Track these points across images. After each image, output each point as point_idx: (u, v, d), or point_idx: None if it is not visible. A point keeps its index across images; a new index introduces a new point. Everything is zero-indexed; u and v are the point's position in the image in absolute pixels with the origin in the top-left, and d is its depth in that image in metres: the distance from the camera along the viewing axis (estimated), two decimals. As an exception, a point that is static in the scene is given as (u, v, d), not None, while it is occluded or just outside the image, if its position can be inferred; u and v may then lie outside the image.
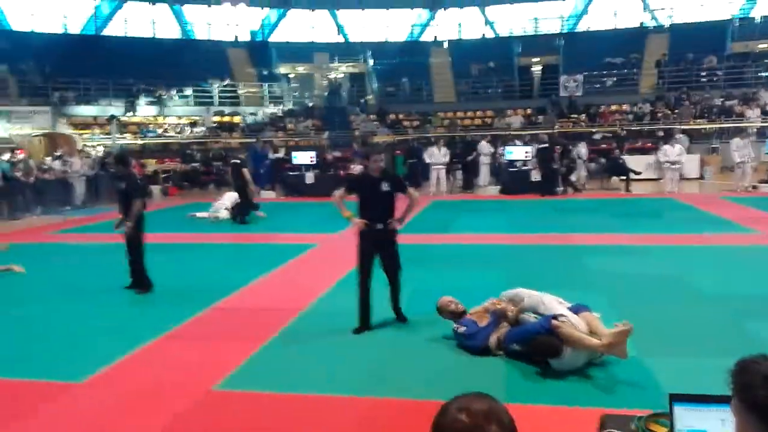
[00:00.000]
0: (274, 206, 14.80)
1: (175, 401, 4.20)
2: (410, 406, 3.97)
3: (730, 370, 1.41)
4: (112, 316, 6.31)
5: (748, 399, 1.32)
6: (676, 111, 21.21)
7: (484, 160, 17.63)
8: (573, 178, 16.52)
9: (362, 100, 26.67)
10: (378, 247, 5.59)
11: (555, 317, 4.49)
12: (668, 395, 1.92)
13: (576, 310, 4.64)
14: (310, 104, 27.00)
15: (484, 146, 17.71)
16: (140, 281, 7.20)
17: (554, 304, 4.70)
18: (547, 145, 16.82)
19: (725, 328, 5.37)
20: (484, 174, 17.78)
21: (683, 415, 1.89)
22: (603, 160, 17.98)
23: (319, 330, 5.60)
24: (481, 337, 4.88)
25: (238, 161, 13.25)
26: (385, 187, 5.53)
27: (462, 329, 5.00)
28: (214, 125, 23.83)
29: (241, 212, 12.51)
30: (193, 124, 23.76)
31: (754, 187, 15.18)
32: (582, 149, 17.15)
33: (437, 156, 16.56)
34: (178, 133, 23.30)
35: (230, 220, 12.68)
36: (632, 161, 17.30)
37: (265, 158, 18.59)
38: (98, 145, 20.60)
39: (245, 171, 12.66)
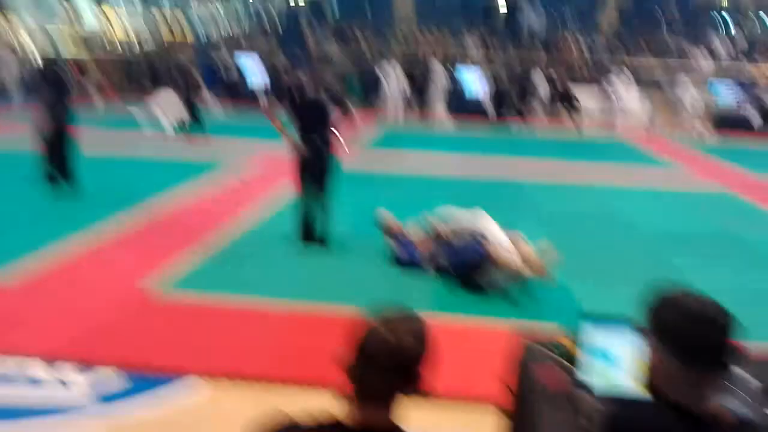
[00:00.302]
0: (217, 114, 14.31)
1: (104, 302, 4.18)
2: (344, 312, 4.05)
3: (649, 306, 1.43)
4: (33, 210, 6.18)
5: (660, 329, 1.37)
6: (629, 48, 21.38)
7: (438, 84, 17.36)
8: (529, 110, 16.56)
9: (321, 21, 25.67)
10: (314, 163, 5.41)
11: (486, 238, 4.64)
12: (580, 313, 2.01)
13: (504, 230, 4.83)
14: (267, 25, 25.79)
15: (438, 68, 17.32)
16: (63, 173, 7.01)
17: (488, 225, 4.85)
18: (502, 74, 16.72)
19: (653, 262, 5.65)
20: (438, 101, 17.60)
21: (593, 333, 1.99)
22: (554, 93, 18.01)
23: (258, 240, 5.67)
24: (412, 254, 5.07)
25: (186, 64, 12.60)
26: (322, 99, 5.38)
27: (396, 246, 5.18)
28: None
29: (192, 114, 11.93)
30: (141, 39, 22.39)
31: (698, 131, 15.61)
32: (539, 80, 17.11)
33: (392, 75, 16.18)
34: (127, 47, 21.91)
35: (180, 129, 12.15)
36: (581, 95, 17.40)
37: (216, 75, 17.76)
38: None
39: (195, 74, 12.12)
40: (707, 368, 1.32)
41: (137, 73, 19.50)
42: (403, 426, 1.29)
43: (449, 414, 3.14)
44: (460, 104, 16.15)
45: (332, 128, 5.46)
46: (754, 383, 1.86)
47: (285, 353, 3.64)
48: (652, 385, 1.43)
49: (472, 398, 3.22)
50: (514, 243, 4.73)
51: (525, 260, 4.56)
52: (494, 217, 5.09)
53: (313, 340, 3.69)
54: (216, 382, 3.30)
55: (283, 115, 5.51)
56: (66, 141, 6.96)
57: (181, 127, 11.77)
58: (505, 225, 5.01)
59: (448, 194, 8.08)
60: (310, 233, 5.53)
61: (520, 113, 16.13)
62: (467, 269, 4.67)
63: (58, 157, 6.94)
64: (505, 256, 4.57)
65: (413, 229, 5.29)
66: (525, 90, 16.74)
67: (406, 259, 5.08)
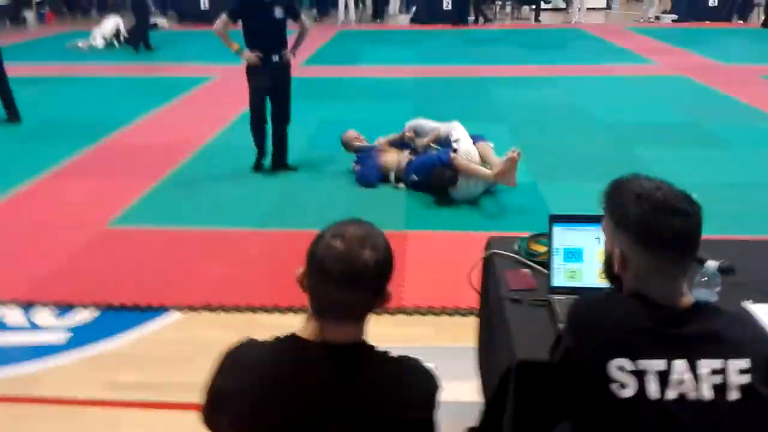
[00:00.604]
0: (167, 35, 13.61)
1: (68, 240, 4.04)
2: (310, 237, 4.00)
3: (603, 191, 1.41)
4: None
5: (619, 217, 1.34)
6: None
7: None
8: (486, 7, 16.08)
9: None
10: (271, 85, 5.00)
11: (454, 149, 4.55)
12: (548, 216, 1.98)
13: (474, 139, 4.70)
14: None
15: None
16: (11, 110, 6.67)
17: (453, 132, 4.74)
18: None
19: (615, 153, 5.66)
20: (394, 2, 16.96)
21: (561, 234, 1.96)
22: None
23: (218, 166, 5.42)
24: (373, 173, 4.93)
25: None
26: (278, 13, 4.83)
27: (357, 167, 5.04)
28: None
29: (143, 37, 11.41)
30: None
31: (657, 18, 15.41)
32: None
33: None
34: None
35: (127, 46, 11.57)
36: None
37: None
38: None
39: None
40: (676, 259, 1.30)
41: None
42: (367, 340, 1.25)
43: (421, 325, 3.17)
44: (424, 11, 15.45)
45: (287, 41, 5.06)
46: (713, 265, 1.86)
47: (257, 279, 3.60)
48: (611, 274, 1.42)
49: (443, 307, 3.24)
50: (483, 154, 4.62)
51: (490, 167, 4.50)
52: (461, 122, 4.98)
53: (281, 265, 3.65)
54: (194, 314, 3.25)
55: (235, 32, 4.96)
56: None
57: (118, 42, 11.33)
58: (477, 134, 4.88)
59: (405, 94, 7.98)
60: (259, 162, 5.26)
61: (483, 15, 15.62)
62: (436, 181, 4.56)
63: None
64: (471, 166, 4.48)
65: (381, 145, 5.12)
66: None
67: (368, 180, 4.91)
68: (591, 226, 1.92)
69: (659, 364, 1.25)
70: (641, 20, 15.19)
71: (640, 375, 1.24)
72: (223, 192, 4.89)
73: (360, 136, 5.30)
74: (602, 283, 1.55)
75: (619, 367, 1.25)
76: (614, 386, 1.25)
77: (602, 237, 1.46)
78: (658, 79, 8.98)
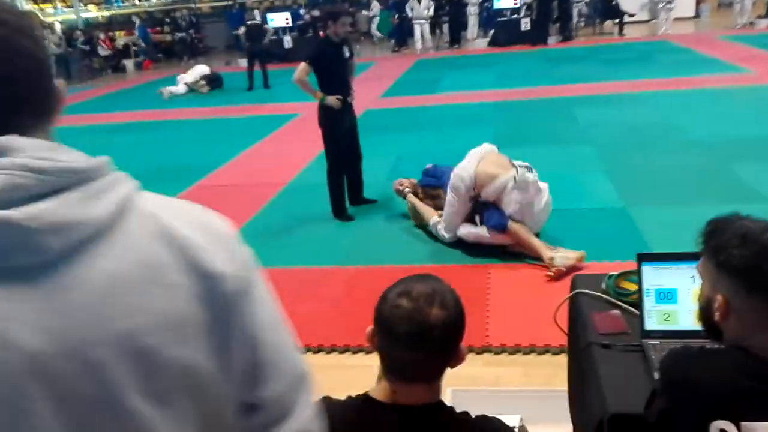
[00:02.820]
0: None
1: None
2: (389, 272, 3.99)
3: (702, 229, 1.30)
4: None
5: (722, 261, 1.23)
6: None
7: (471, 11, 16.72)
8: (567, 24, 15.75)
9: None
10: (350, 126, 4.98)
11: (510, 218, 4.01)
12: (636, 255, 1.87)
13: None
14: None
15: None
16: None
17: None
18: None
19: (712, 173, 5.33)
20: (471, 26, 16.96)
21: (652, 274, 1.84)
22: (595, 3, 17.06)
23: (301, 205, 5.49)
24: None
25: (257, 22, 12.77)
26: (346, 53, 4.87)
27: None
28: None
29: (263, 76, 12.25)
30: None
31: (752, 24, 14.54)
32: None
33: (418, 9, 15.55)
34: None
35: (214, 90, 12.33)
36: (625, 2, 16.45)
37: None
38: (62, 19, 19.49)
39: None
40: None
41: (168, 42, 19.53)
42: (443, 401, 1.21)
43: (509, 365, 3.06)
44: (502, 34, 15.32)
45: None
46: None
47: (341, 317, 3.62)
48: (709, 321, 1.30)
49: (532, 345, 3.11)
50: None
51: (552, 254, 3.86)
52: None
53: (364, 302, 3.65)
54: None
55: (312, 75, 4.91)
56: None
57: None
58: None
59: (486, 120, 7.87)
60: (342, 208, 5.09)
61: (562, 29, 15.30)
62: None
63: None
64: (530, 241, 3.97)
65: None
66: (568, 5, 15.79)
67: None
68: (684, 264, 1.79)
69: (766, 426, 1.13)
70: (735, 27, 14.38)
71: None
72: (307, 232, 4.93)
73: (407, 181, 4.93)
74: (699, 326, 1.44)
75: (721, 431, 1.14)
76: None
77: (698, 277, 1.36)
78: (756, 89, 8.44)
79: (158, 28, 20.11)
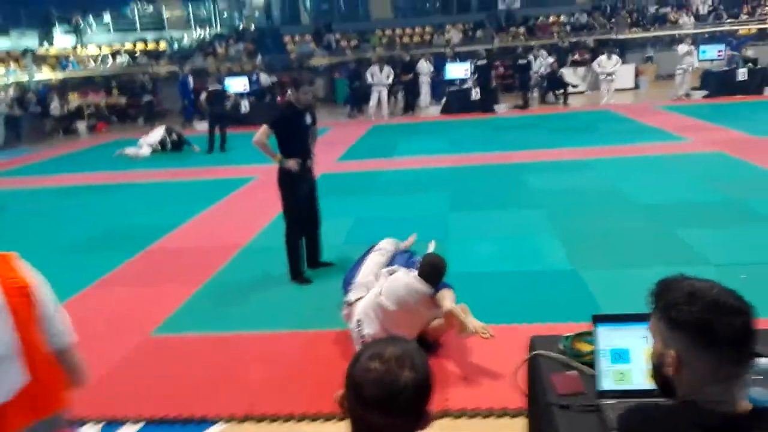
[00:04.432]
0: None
1: (112, 350, 4.09)
2: (347, 336, 3.97)
3: (651, 290, 1.37)
4: (43, 264, 6.04)
5: (673, 318, 1.29)
6: (612, 20, 21.24)
7: (424, 80, 17.32)
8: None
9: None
10: (308, 190, 5.10)
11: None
12: (591, 317, 1.93)
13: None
14: (240, 26, 25.78)
15: (423, 66, 17.36)
16: None
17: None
18: (485, 61, 16.60)
19: (657, 237, 5.55)
20: (424, 94, 17.53)
21: (607, 335, 1.91)
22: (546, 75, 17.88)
23: (257, 268, 5.47)
24: None
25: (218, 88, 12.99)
26: (308, 119, 4.98)
27: None
28: (137, 53, 22.52)
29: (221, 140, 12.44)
30: (115, 54, 22.36)
31: (688, 95, 15.49)
32: (549, 59, 16.82)
33: (379, 76, 16.02)
34: (100, 63, 21.93)
35: (174, 152, 12.43)
36: (569, 74, 17.36)
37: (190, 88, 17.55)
38: (14, 82, 19.26)
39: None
40: (736, 361, 1.24)
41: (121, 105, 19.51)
42: None
43: (468, 429, 3.04)
44: (453, 102, 15.92)
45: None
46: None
47: (299, 383, 3.55)
48: (661, 377, 1.35)
49: (490, 408, 3.12)
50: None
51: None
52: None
53: (324, 366, 3.61)
54: (238, 425, 3.19)
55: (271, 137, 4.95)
56: None
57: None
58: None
59: (441, 185, 8.06)
60: (299, 270, 5.12)
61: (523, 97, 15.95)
62: None
63: None
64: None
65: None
66: (520, 74, 16.52)
67: None
68: (636, 325, 1.87)
69: None
70: (673, 98, 15.27)
71: None
72: (262, 294, 4.90)
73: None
74: (652, 384, 1.49)
75: None
76: None
77: (650, 337, 1.41)
78: (693, 157, 8.93)
79: (102, 93, 20.11)
